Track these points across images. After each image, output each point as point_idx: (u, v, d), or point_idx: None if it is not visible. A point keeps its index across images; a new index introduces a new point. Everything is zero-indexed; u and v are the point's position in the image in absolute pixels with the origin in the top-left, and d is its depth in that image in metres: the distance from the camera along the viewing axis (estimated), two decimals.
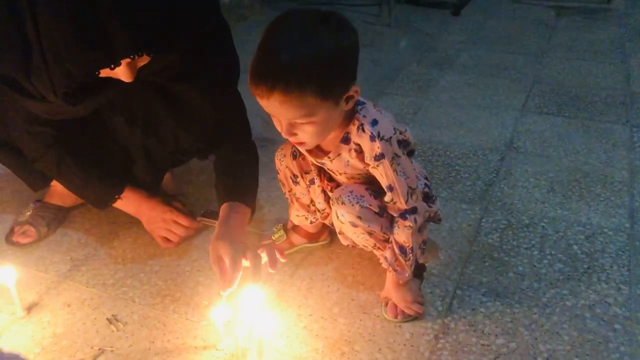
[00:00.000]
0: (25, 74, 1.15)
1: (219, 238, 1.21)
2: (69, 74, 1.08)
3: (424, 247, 1.24)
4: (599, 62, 2.76)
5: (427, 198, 1.24)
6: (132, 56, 1.07)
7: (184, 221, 1.47)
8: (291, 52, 0.96)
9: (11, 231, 1.51)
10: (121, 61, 1.06)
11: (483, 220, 1.57)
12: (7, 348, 1.17)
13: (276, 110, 1.01)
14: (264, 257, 1.20)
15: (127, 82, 1.14)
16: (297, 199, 1.36)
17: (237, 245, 1.19)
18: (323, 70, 0.97)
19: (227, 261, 1.16)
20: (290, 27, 1.00)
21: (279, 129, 1.06)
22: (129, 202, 1.46)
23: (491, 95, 2.39)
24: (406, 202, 1.14)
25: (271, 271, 1.19)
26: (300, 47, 0.96)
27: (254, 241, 1.46)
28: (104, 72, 1.09)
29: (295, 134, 1.05)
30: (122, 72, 1.10)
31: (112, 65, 1.06)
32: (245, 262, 1.17)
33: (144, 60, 1.13)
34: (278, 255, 1.22)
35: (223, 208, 1.33)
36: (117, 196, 1.44)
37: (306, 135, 1.05)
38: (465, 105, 2.31)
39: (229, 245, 1.18)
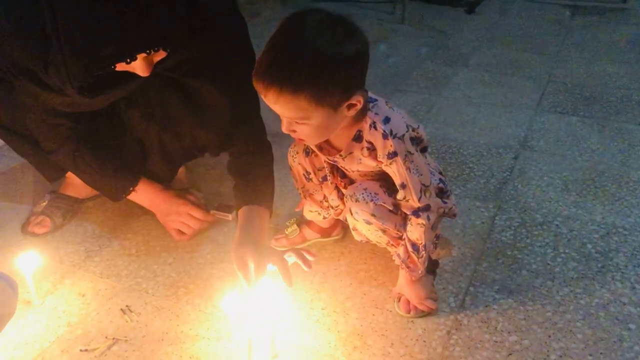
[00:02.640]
0: (44, 66, 1.16)
1: (243, 243, 1.22)
2: (85, 67, 1.09)
3: (437, 241, 1.24)
4: (614, 61, 2.74)
5: (442, 193, 1.23)
6: (148, 51, 1.07)
7: (198, 214, 1.48)
8: (291, 55, 0.97)
9: (27, 221, 1.53)
10: (137, 56, 1.07)
11: (497, 218, 1.56)
12: (23, 336, 1.18)
13: (272, 107, 1.02)
14: (290, 260, 1.20)
15: (144, 77, 1.15)
16: (310, 195, 1.36)
17: (262, 250, 1.21)
18: (320, 77, 0.96)
19: (251, 266, 1.17)
20: (297, 28, 0.99)
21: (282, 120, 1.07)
22: (143, 195, 1.47)
23: (505, 94, 2.38)
24: (419, 199, 1.13)
25: (307, 269, 1.20)
26: (301, 51, 0.96)
27: (268, 236, 1.47)
28: (121, 67, 1.09)
29: (294, 131, 1.06)
30: (138, 67, 1.11)
31: (129, 60, 1.07)
32: (272, 267, 1.18)
33: (160, 55, 1.13)
34: (307, 255, 1.22)
35: (242, 212, 1.33)
36: (131, 188, 1.45)
37: (304, 134, 1.06)
38: (479, 103, 2.30)
39: (254, 249, 1.19)
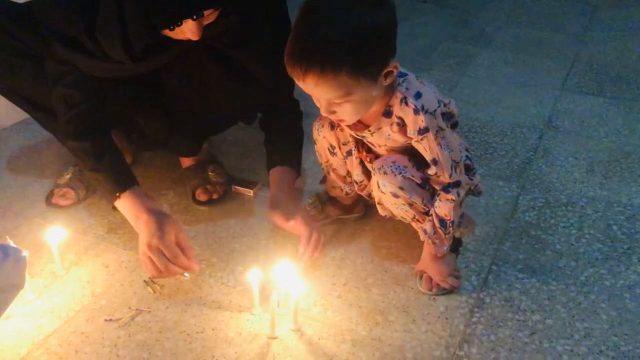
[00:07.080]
0: (89, 31, 1.18)
1: (276, 204, 1.35)
2: (149, 28, 1.14)
3: (461, 220, 1.23)
4: None
5: (468, 170, 1.22)
6: (216, 6, 1.13)
7: (164, 256, 1.18)
8: (324, 32, 0.95)
9: (51, 193, 1.54)
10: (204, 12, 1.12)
11: (520, 197, 1.54)
12: (50, 304, 1.20)
13: (312, 91, 1.01)
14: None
15: (187, 45, 1.18)
16: (334, 170, 1.35)
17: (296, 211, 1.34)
18: (357, 49, 0.96)
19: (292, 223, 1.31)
20: (324, 5, 0.98)
21: (318, 106, 1.06)
22: (127, 206, 1.28)
23: (530, 74, 2.34)
24: (450, 175, 1.12)
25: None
26: (334, 26, 0.95)
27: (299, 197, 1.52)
28: (173, 31, 1.15)
29: (334, 112, 1.05)
30: (189, 30, 1.14)
31: (195, 17, 1.10)
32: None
33: (209, 19, 1.16)
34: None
35: (273, 174, 1.43)
36: (117, 194, 1.28)
37: (345, 113, 1.05)
38: (503, 82, 2.27)
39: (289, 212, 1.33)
